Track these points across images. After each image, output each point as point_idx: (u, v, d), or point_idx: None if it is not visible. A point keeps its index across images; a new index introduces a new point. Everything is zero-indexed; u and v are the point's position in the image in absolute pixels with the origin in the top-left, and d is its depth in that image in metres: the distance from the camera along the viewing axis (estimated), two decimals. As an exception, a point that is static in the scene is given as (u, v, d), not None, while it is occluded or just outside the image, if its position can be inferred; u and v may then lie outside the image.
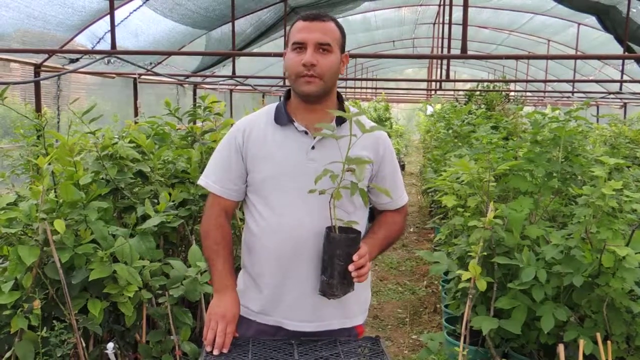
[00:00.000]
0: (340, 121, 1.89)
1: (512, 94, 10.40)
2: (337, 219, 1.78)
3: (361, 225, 1.95)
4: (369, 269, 1.83)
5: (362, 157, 1.79)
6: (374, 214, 2.12)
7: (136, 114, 6.83)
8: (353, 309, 1.99)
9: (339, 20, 1.94)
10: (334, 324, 1.96)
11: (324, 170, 1.72)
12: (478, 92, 8.89)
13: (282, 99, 1.98)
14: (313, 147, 1.88)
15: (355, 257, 1.76)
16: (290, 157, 1.89)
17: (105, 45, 5.45)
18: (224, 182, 1.96)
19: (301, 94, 1.87)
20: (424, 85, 14.45)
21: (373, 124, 2.01)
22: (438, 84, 10.36)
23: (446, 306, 3.81)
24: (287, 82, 1.95)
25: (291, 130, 1.91)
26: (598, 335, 2.35)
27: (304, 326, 1.93)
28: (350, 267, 1.75)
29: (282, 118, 1.92)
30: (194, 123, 3.64)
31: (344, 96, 2.05)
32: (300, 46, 1.83)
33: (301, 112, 1.92)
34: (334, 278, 1.76)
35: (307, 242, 1.86)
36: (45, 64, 5.30)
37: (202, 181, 2.01)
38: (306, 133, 1.90)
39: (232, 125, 3.54)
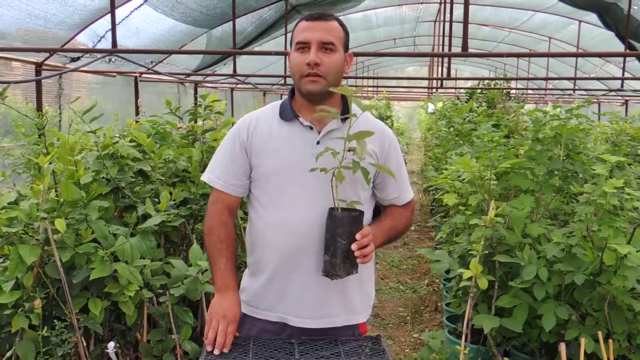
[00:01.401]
0: (345, 118, 1.90)
1: (513, 91, 10.39)
2: (341, 200, 1.78)
3: (366, 219, 1.94)
4: (373, 250, 1.82)
5: (367, 150, 1.79)
6: (381, 213, 2.11)
7: (137, 113, 6.83)
8: (357, 305, 1.99)
9: (340, 18, 1.95)
10: (338, 321, 1.96)
11: (326, 148, 1.73)
12: (479, 90, 8.88)
13: (287, 95, 1.99)
14: (318, 142, 1.88)
15: (358, 236, 1.76)
16: (295, 151, 1.89)
17: (106, 44, 5.44)
18: (228, 177, 1.95)
19: (305, 93, 1.88)
20: (425, 83, 14.42)
21: (376, 120, 2.03)
22: (439, 82, 10.35)
23: (447, 305, 3.81)
24: (291, 81, 1.95)
25: (296, 126, 1.92)
26: (599, 333, 2.34)
27: (308, 322, 1.93)
28: (353, 246, 1.75)
29: (288, 113, 1.93)
30: (195, 122, 3.64)
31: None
32: (304, 46, 1.84)
33: (305, 110, 1.93)
34: (337, 257, 1.76)
35: (310, 236, 1.86)
36: (46, 62, 5.30)
37: (205, 177, 2.01)
38: (311, 128, 1.90)
39: (233, 124, 3.54)
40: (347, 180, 1.80)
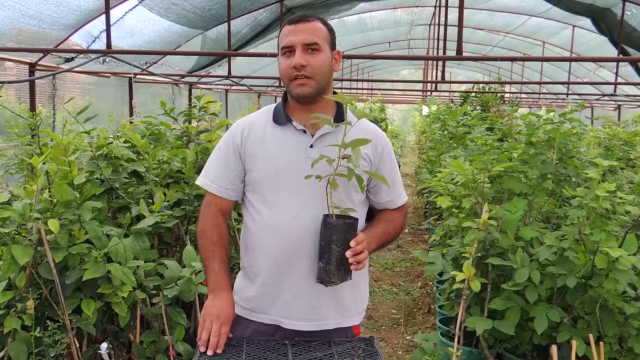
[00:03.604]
0: (338, 120, 1.90)
1: (507, 95, 10.43)
2: (335, 207, 1.78)
3: (359, 224, 1.95)
4: (367, 256, 1.83)
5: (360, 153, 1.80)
6: (373, 215, 2.11)
7: (131, 114, 6.83)
8: (350, 308, 2.00)
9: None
10: (331, 324, 1.96)
11: (320, 155, 1.73)
12: (473, 94, 8.91)
13: (281, 99, 1.99)
14: (311, 146, 1.89)
15: (352, 243, 1.76)
16: (288, 155, 1.89)
17: (101, 45, 5.44)
18: (222, 181, 1.96)
19: (296, 97, 1.88)
20: (419, 86, 14.48)
21: (370, 124, 2.04)
22: (434, 85, 10.38)
23: (440, 307, 3.82)
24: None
25: (290, 129, 1.92)
26: (591, 336, 2.36)
27: (301, 325, 1.93)
28: (348, 253, 1.75)
29: (281, 117, 1.93)
30: (189, 123, 3.64)
31: None
32: (289, 50, 1.85)
33: (298, 112, 1.93)
34: (331, 264, 1.76)
35: (304, 239, 1.87)
36: (40, 62, 5.29)
37: (199, 181, 2.02)
38: (304, 132, 1.91)
39: (227, 125, 3.54)
40: (341, 185, 1.81)
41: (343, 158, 1.74)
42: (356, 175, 1.73)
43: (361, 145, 1.71)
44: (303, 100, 1.89)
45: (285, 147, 1.90)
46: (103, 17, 4.15)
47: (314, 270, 1.84)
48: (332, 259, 1.76)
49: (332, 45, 1.92)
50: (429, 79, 12.11)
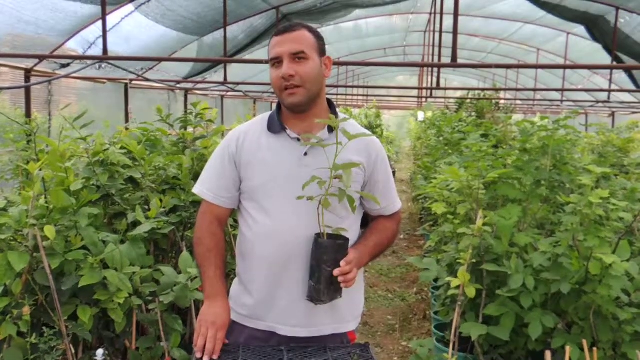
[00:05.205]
0: (331, 128, 1.92)
1: (502, 102, 10.47)
2: (327, 226, 1.81)
3: (354, 230, 1.97)
4: (356, 275, 1.85)
5: (353, 161, 1.82)
6: (368, 220, 2.13)
7: (127, 120, 6.82)
8: (345, 315, 2.01)
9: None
10: (326, 330, 1.97)
11: (312, 177, 1.75)
12: (468, 100, 8.94)
13: (275, 108, 2.01)
14: (306, 154, 1.90)
15: (342, 263, 1.79)
16: (283, 163, 1.91)
17: (97, 50, 5.45)
18: (217, 190, 1.98)
19: (288, 107, 1.90)
20: (415, 92, 14.51)
21: (363, 129, 2.05)
22: (429, 91, 10.42)
23: (435, 313, 3.83)
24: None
25: (284, 138, 1.94)
26: (585, 342, 2.37)
27: (297, 331, 1.94)
28: (336, 272, 1.78)
29: (275, 126, 1.95)
30: (186, 129, 3.65)
31: (335, 103, 2.07)
32: (277, 61, 1.87)
33: (292, 120, 1.95)
34: (321, 283, 1.79)
35: (299, 247, 1.88)
36: (36, 68, 5.28)
37: (196, 189, 2.04)
38: (298, 140, 1.92)
39: (223, 132, 3.56)
40: (335, 192, 1.82)
41: (335, 178, 1.76)
42: (347, 196, 1.77)
43: (352, 168, 1.75)
44: (296, 109, 1.90)
45: (280, 155, 1.92)
46: (99, 23, 4.15)
47: (307, 282, 1.86)
48: (322, 278, 1.79)
49: (321, 52, 1.92)
50: (425, 85, 12.16)
